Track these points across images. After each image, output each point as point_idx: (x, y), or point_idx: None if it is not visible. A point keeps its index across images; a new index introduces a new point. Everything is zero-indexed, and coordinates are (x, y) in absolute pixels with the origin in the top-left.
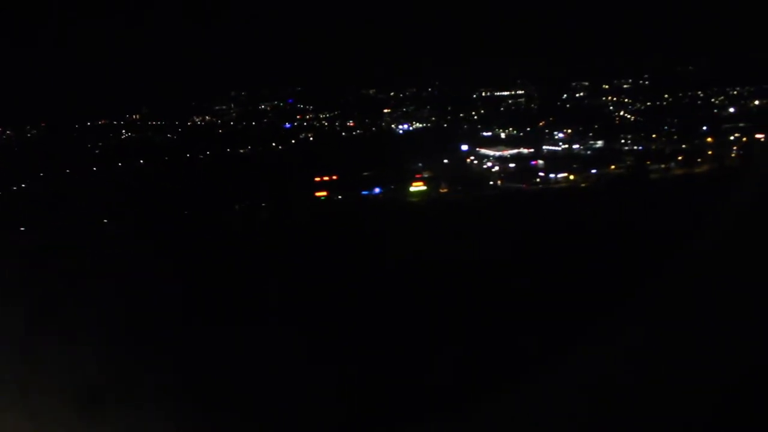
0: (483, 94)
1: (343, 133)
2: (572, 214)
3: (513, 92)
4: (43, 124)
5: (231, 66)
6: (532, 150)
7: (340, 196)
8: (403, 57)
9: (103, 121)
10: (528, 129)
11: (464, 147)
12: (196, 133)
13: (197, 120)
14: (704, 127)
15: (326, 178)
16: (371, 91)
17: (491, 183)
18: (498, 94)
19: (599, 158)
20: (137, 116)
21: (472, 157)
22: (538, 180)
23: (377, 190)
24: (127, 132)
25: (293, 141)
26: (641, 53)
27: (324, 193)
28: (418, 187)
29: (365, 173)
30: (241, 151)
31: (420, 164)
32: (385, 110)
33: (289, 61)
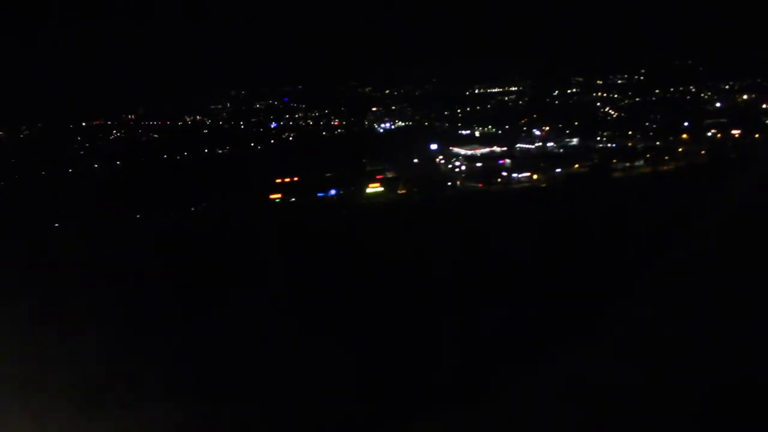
0: (477, 91)
1: (324, 133)
2: (518, 214)
3: (506, 89)
4: (39, 125)
5: (233, 65)
6: (505, 148)
7: (293, 199)
8: (403, 55)
9: (98, 122)
10: (507, 127)
11: (433, 146)
12: (183, 133)
13: (188, 120)
14: (685, 123)
15: (287, 180)
16: (367, 89)
17: (449, 183)
18: (491, 90)
19: (568, 156)
20: (132, 116)
21: (441, 157)
22: (499, 180)
23: (333, 192)
24: (116, 132)
25: (272, 141)
26: (641, 48)
27: (278, 196)
28: (374, 188)
29: (328, 174)
30: (220, 151)
31: (384, 165)
32: (374, 108)
33: (291, 59)
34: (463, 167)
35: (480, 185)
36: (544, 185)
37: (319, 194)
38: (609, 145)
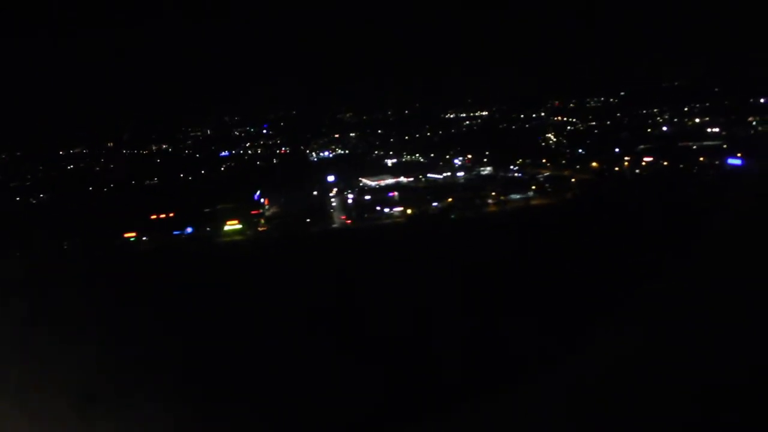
0: (450, 115)
1: (258, 163)
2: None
3: (476, 113)
4: (18, 153)
5: (233, 88)
6: (411, 179)
7: (145, 238)
8: (390, 78)
9: (77, 150)
10: (432, 155)
11: (330, 178)
12: (136, 163)
13: (154, 148)
14: (617, 149)
15: (162, 216)
16: (348, 115)
17: (308, 220)
18: (462, 115)
19: (454, 188)
20: (112, 144)
21: (336, 189)
22: (366, 216)
23: (189, 230)
24: (70, 165)
25: (203, 172)
26: (623, 71)
27: (132, 234)
28: (232, 226)
29: (206, 209)
30: (147, 182)
31: (265, 199)
32: (335, 135)
33: (287, 84)
34: (349, 200)
35: (343, 218)
36: (401, 220)
37: (175, 232)
38: (515, 174)
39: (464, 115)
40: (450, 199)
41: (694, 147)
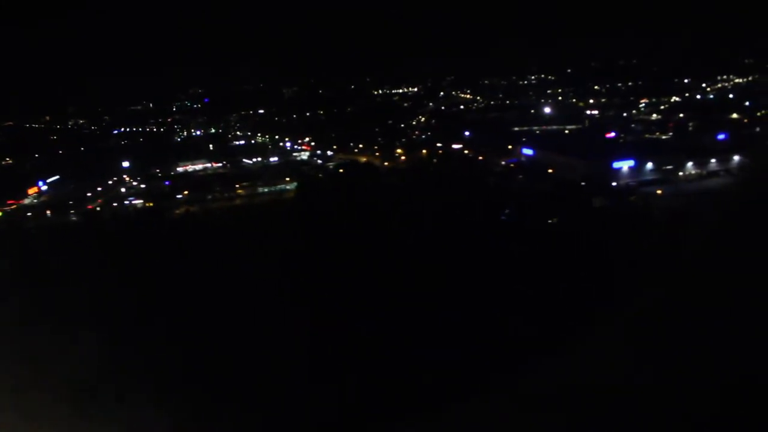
0: (377, 92)
1: (123, 142)
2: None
3: (405, 89)
4: None
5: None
6: (220, 164)
7: None
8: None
9: (9, 123)
10: (277, 137)
11: (125, 164)
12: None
13: (71, 124)
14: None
15: None
16: (294, 89)
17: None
18: (395, 91)
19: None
20: (48, 117)
21: (127, 177)
22: (106, 207)
23: None
24: None
25: (60, 152)
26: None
27: None
28: None
29: None
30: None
31: (33, 187)
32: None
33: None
34: (123, 189)
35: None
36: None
37: None
38: (318, 161)
39: (397, 91)
40: (186, 192)
41: (537, 132)
